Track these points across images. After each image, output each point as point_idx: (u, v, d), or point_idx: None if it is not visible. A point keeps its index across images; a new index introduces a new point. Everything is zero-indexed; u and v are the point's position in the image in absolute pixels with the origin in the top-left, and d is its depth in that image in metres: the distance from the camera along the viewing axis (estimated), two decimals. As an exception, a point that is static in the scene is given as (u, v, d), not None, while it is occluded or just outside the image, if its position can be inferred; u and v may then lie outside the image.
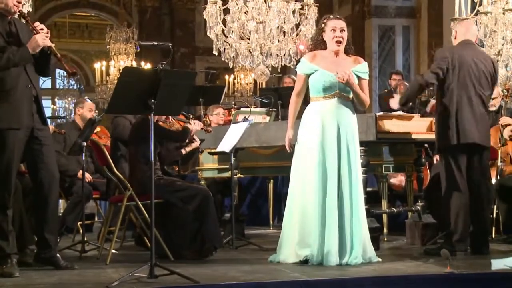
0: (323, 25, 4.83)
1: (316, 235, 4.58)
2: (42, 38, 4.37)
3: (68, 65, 4.56)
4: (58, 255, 4.59)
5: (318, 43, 4.84)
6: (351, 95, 4.78)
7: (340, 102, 4.73)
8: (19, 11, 4.43)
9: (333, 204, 4.59)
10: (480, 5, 6.66)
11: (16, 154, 4.38)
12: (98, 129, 7.04)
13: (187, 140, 5.85)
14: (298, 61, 5.29)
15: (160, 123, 5.38)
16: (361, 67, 4.82)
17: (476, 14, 6.68)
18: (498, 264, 4.37)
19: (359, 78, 4.79)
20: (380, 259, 4.73)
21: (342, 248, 4.59)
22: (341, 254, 4.58)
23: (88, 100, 7.12)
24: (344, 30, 4.75)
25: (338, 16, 4.87)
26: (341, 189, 4.63)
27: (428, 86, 5.17)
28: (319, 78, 4.75)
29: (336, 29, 4.75)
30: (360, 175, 4.78)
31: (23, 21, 4.52)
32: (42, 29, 4.40)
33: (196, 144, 6.06)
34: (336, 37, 4.74)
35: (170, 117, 5.52)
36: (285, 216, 4.82)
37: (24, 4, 4.44)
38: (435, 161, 6.41)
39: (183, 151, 6.15)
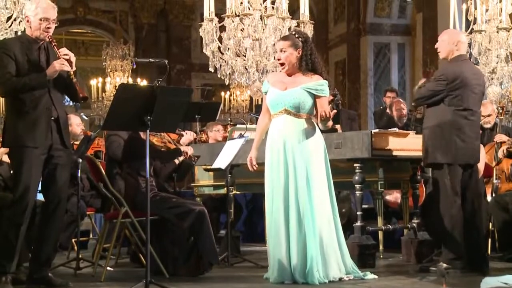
0: None
1: (270, 254, 4.61)
2: (59, 63, 4.43)
3: (81, 89, 4.61)
4: (50, 274, 4.56)
5: None
6: (301, 112, 4.65)
7: (288, 119, 4.66)
8: (48, 37, 4.50)
9: (280, 223, 4.57)
10: (474, 23, 6.71)
11: (34, 172, 4.41)
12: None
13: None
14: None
15: (150, 137, 5.33)
16: (313, 85, 4.66)
17: (470, 32, 6.72)
18: (493, 281, 4.35)
19: (315, 96, 4.67)
20: (376, 276, 4.72)
21: (301, 266, 4.50)
22: (303, 273, 4.49)
23: (72, 115, 6.87)
24: (284, 51, 4.66)
25: (284, 35, 4.88)
26: (287, 208, 4.58)
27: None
28: (269, 95, 4.77)
29: (277, 50, 4.76)
30: (325, 193, 4.62)
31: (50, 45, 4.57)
32: (66, 54, 4.47)
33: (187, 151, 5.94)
34: (277, 59, 4.76)
35: None
36: None
37: (52, 27, 4.51)
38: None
39: (176, 161, 6.15)
